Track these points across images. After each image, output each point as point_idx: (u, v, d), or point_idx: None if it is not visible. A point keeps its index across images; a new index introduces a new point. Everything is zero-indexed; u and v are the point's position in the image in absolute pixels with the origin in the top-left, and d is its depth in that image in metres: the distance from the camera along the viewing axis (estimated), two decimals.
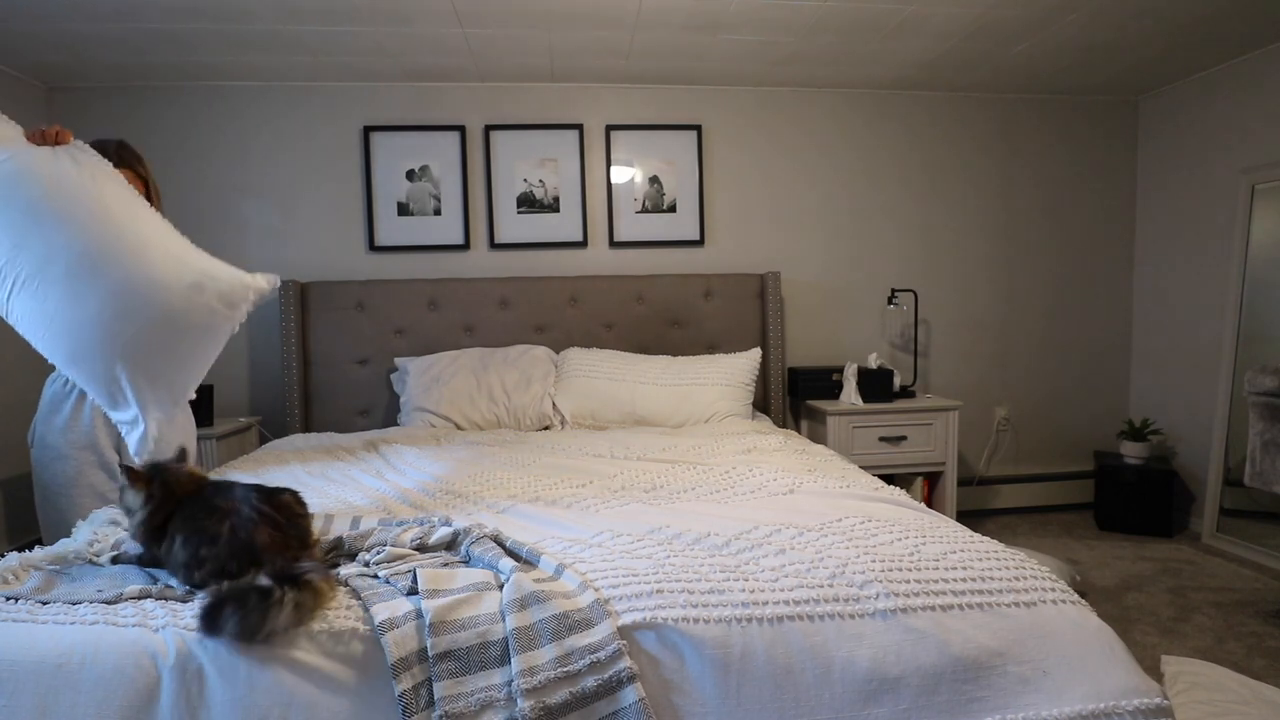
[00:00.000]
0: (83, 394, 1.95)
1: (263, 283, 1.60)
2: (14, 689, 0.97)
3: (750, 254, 3.58)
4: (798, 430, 3.45)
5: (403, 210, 3.39)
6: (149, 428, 1.44)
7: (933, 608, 1.14)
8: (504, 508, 1.69)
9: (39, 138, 1.60)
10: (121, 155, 1.84)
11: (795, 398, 3.47)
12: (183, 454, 1.36)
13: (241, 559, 1.15)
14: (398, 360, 3.16)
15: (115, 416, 1.47)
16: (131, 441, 1.45)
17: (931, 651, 1.09)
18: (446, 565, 1.24)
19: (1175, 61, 3.27)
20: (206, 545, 1.16)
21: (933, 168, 3.68)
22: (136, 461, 1.44)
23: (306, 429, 3.16)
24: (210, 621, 1.01)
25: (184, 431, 2.12)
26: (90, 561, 1.33)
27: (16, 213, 1.43)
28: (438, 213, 3.41)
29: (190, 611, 1.08)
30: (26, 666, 0.99)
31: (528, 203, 3.45)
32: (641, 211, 3.52)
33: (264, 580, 1.06)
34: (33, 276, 1.40)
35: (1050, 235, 3.77)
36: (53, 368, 2.01)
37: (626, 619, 1.08)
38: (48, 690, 0.98)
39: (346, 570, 1.23)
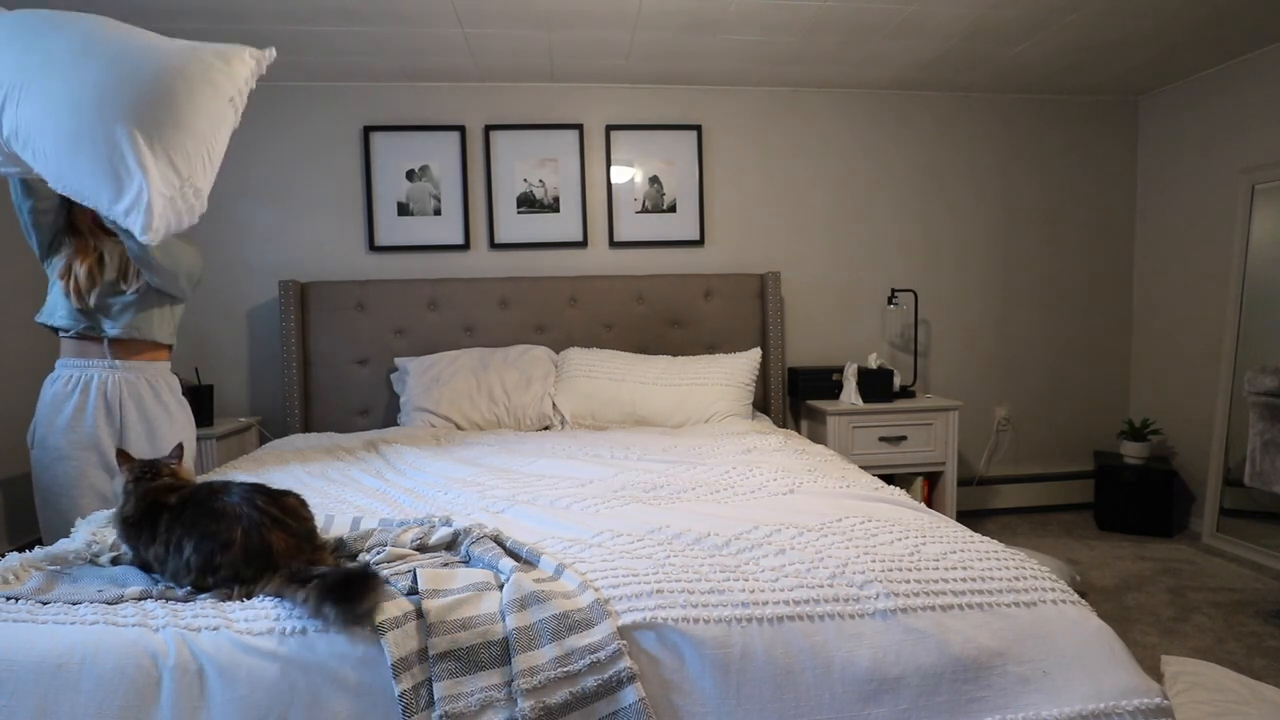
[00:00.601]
0: (84, 394, 1.95)
1: (259, 52, 1.62)
2: (14, 689, 0.98)
3: (750, 254, 3.58)
4: (798, 430, 3.45)
5: (403, 210, 3.39)
6: (151, 195, 1.41)
7: (933, 608, 1.14)
8: (504, 508, 1.69)
9: None
10: None
11: (795, 398, 3.47)
12: (179, 450, 1.38)
13: (256, 563, 1.15)
14: (398, 360, 3.16)
15: (118, 208, 1.44)
16: (135, 224, 1.43)
17: (931, 651, 1.09)
18: (446, 565, 1.24)
19: (1175, 61, 3.27)
20: (220, 551, 1.15)
21: (933, 168, 3.68)
22: (144, 238, 1.43)
23: (306, 429, 3.16)
24: (367, 589, 1.05)
25: (184, 428, 2.13)
26: (90, 562, 1.33)
27: (27, 32, 1.49)
28: (438, 213, 3.41)
29: (191, 612, 1.09)
30: (26, 666, 0.99)
31: (528, 203, 3.45)
32: (641, 211, 3.52)
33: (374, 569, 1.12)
34: (38, 75, 1.43)
35: (1050, 235, 3.77)
36: (51, 368, 2.02)
37: (626, 619, 1.08)
38: (48, 690, 0.98)
39: None
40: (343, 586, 1.05)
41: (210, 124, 1.55)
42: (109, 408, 1.97)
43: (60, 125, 1.43)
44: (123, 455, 1.34)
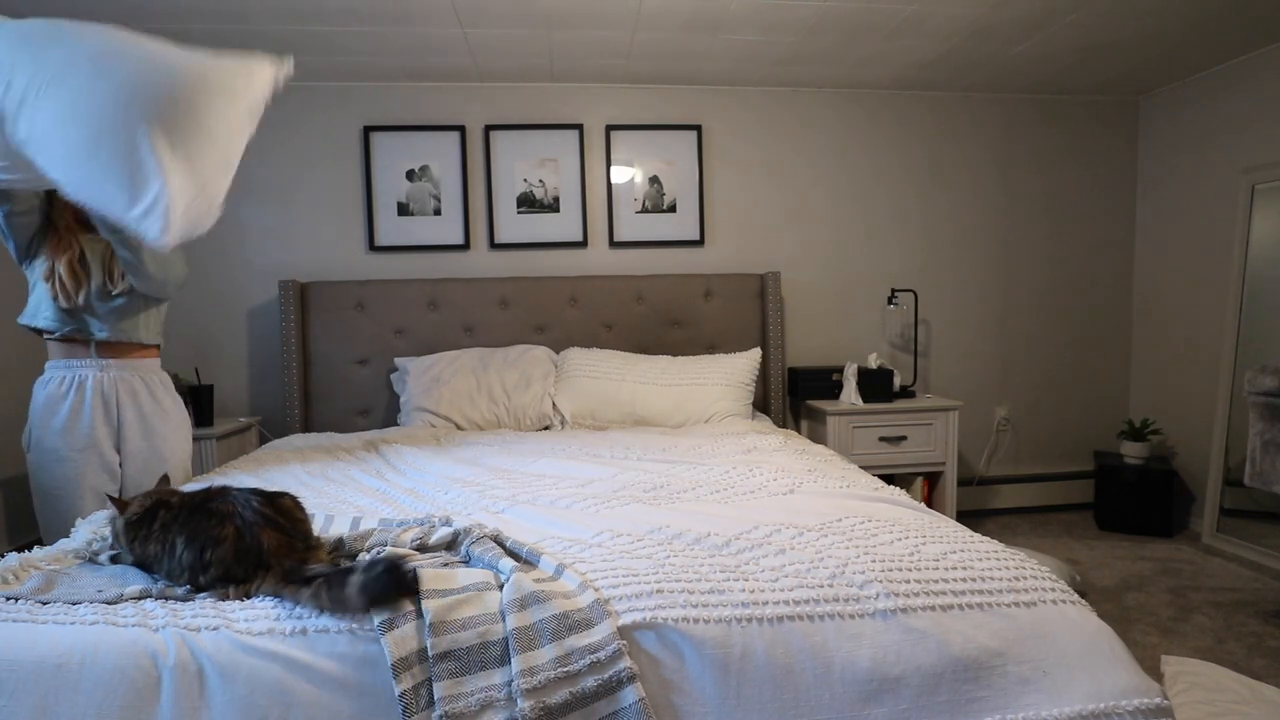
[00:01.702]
0: (80, 394, 1.95)
1: (278, 63, 1.63)
2: (14, 689, 0.98)
3: (750, 254, 3.58)
4: (798, 430, 3.44)
5: (403, 210, 3.39)
6: (171, 198, 1.39)
7: (933, 608, 1.14)
8: (504, 508, 1.69)
9: None
10: None
11: (795, 398, 3.47)
12: (164, 480, 1.44)
13: (248, 562, 1.15)
14: (398, 360, 3.16)
15: (134, 212, 1.42)
16: (152, 228, 1.40)
17: (931, 651, 1.09)
18: (447, 565, 1.24)
19: (1175, 61, 3.27)
20: (211, 548, 1.16)
21: (933, 168, 3.68)
22: (161, 241, 1.42)
23: (306, 429, 3.16)
24: (401, 577, 1.07)
25: (180, 425, 2.12)
26: (90, 561, 1.33)
27: (44, 35, 1.48)
28: (438, 213, 3.41)
29: (191, 611, 1.09)
30: (26, 667, 0.99)
31: (528, 203, 3.45)
32: (641, 211, 3.52)
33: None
34: (57, 77, 1.40)
35: (1050, 235, 3.77)
36: (42, 370, 2.00)
37: (626, 619, 1.08)
38: (48, 690, 0.98)
39: None
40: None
41: (229, 132, 1.54)
42: (106, 406, 1.96)
43: (80, 124, 1.41)
44: (114, 500, 1.34)
